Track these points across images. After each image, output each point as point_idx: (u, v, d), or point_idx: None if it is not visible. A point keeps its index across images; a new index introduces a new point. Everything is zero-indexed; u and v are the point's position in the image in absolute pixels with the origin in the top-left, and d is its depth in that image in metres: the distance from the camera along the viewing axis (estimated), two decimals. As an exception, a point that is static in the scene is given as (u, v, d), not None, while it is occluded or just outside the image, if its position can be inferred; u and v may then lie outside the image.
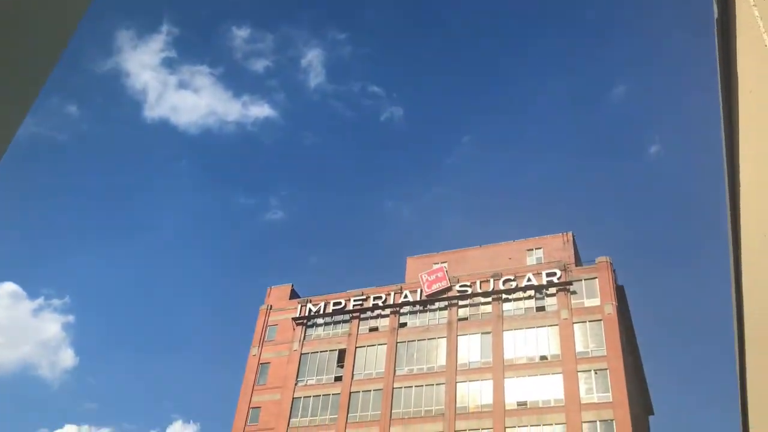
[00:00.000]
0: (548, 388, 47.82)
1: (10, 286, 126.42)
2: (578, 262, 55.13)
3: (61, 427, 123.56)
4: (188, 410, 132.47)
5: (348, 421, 52.01)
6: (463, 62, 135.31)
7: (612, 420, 44.71)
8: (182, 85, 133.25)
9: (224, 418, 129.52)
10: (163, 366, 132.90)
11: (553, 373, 48.25)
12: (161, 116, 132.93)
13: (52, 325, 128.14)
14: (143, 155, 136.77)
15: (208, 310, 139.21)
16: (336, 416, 52.66)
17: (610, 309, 49.40)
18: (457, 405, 49.53)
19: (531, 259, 56.96)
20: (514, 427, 47.04)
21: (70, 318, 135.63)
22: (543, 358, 49.49)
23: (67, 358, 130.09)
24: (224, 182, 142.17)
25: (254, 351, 59.54)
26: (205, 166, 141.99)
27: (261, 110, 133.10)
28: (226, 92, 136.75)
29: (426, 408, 50.57)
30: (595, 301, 50.31)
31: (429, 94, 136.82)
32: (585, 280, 51.70)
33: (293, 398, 54.91)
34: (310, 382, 55.66)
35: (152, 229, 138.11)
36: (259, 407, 55.76)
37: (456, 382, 50.62)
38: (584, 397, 46.40)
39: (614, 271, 51.96)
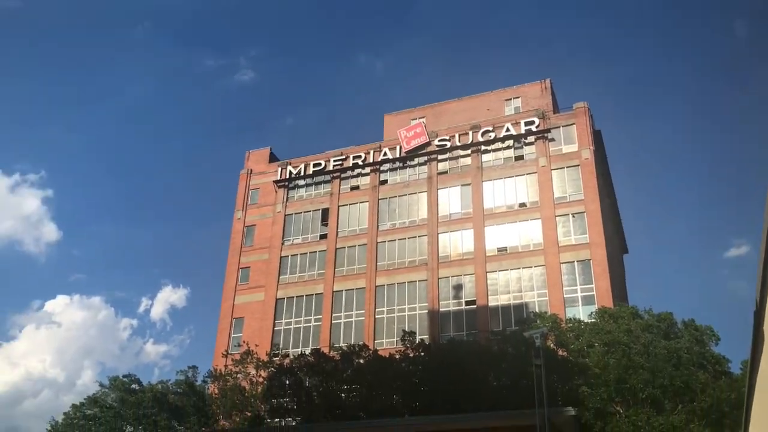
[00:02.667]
0: (527, 233, 49.39)
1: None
2: (556, 109, 55.11)
3: (54, 298, 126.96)
4: (177, 275, 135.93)
5: (335, 275, 53.80)
6: None
7: (589, 260, 46.63)
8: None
9: (213, 282, 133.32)
10: (148, 234, 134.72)
11: (531, 219, 49.64)
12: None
13: (31, 201, 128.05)
14: (104, 19, 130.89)
15: (186, 176, 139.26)
16: (324, 271, 54.38)
17: (587, 154, 50.08)
18: (440, 254, 51.21)
19: (509, 109, 56.85)
20: (495, 271, 49.00)
21: (49, 192, 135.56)
22: (522, 205, 50.69)
23: (50, 232, 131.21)
24: (190, 45, 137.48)
25: (238, 215, 60.29)
26: (168, 28, 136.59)
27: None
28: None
29: (410, 259, 52.29)
30: (573, 147, 50.86)
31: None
32: (563, 126, 51.96)
33: (281, 257, 56.37)
34: (296, 242, 56.93)
35: (119, 96, 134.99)
36: (249, 267, 57.31)
37: (438, 234, 52.04)
38: (562, 239, 48.07)
39: (592, 116, 52.14)
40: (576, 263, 46.98)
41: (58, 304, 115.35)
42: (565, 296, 46.03)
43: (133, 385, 48.90)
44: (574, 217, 48.60)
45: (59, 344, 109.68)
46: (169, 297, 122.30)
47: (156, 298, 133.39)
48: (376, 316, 50.89)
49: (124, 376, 49.59)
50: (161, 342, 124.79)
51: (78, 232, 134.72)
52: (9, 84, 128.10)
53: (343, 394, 37.05)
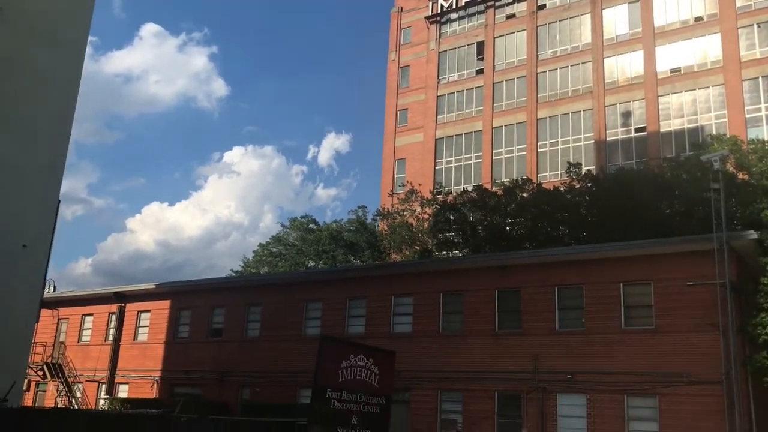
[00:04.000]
0: (704, 50, 44.92)
1: (152, 27, 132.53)
2: None
3: (230, 149, 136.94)
4: (339, 122, 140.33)
5: (494, 110, 52.86)
6: None
7: (776, 74, 41.96)
8: None
9: (373, 126, 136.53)
10: (308, 85, 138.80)
11: (709, 34, 44.87)
12: None
13: (198, 58, 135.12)
14: None
15: (338, 25, 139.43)
16: (482, 108, 53.57)
17: (780, -49, 43.43)
18: (606, 80, 48.31)
19: None
20: (668, 94, 45.61)
21: (214, 48, 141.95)
22: (698, 19, 45.77)
23: (220, 87, 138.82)
24: None
25: (392, 56, 59.99)
26: None
27: None
28: None
29: (573, 88, 49.87)
30: (762, -55, 44.22)
31: None
32: None
33: (437, 96, 56.03)
34: (452, 79, 56.07)
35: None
36: (406, 109, 57.73)
37: (603, 58, 48.82)
38: (745, 54, 43.29)
39: None
40: (761, 79, 42.45)
41: (235, 155, 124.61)
42: (746, 116, 42.23)
43: (311, 225, 52.90)
44: (759, 26, 43.28)
45: (240, 191, 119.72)
46: (333, 143, 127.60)
47: (321, 145, 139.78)
48: (539, 150, 49.96)
49: (301, 217, 53.70)
50: (330, 186, 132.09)
51: (245, 87, 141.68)
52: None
53: (507, 227, 37.59)
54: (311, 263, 50.31)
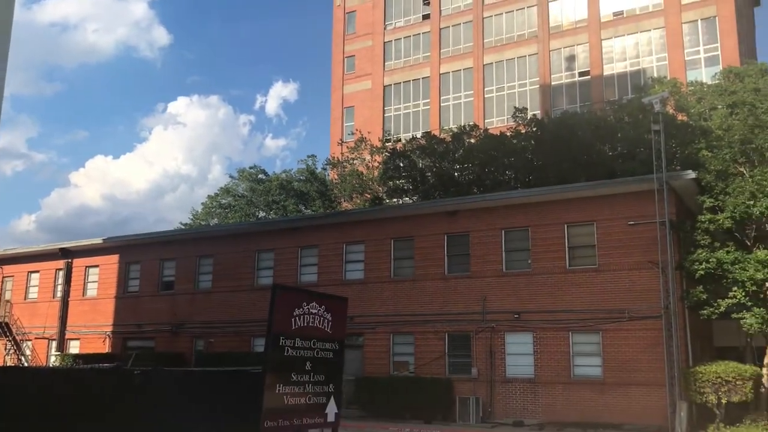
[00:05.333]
0: (646, -7, 45.52)
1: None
2: None
3: (175, 99, 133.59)
4: (286, 70, 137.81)
5: (441, 56, 52.71)
6: None
7: (714, 17, 42.86)
8: None
9: (321, 74, 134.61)
10: (252, 31, 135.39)
11: (651, -23, 45.41)
12: None
13: (137, 5, 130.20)
14: None
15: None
16: (429, 54, 53.34)
17: None
18: (551, 25, 48.59)
19: None
20: (611, 38, 46.22)
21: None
22: (641, -38, 46.17)
23: (161, 35, 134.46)
24: None
25: (338, 1, 58.89)
26: None
27: None
28: None
29: (518, 32, 50.03)
30: None
31: None
32: None
33: (384, 42, 55.51)
34: (398, 25, 55.52)
35: None
36: (353, 55, 57.08)
37: (548, 2, 48.98)
38: (686, -3, 44.04)
39: None
40: (699, 22, 43.36)
41: (180, 106, 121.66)
42: (686, 59, 43.22)
43: (260, 176, 52.42)
44: (700, -31, 43.95)
45: (187, 143, 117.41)
46: (280, 92, 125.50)
47: (269, 94, 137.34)
48: (486, 96, 50.25)
49: (250, 168, 53.10)
50: (279, 136, 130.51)
51: (187, 35, 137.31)
52: None
53: (456, 173, 38.01)
54: (262, 214, 50.06)
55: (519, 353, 24.23)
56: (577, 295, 23.46)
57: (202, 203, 54.79)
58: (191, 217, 54.50)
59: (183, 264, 33.23)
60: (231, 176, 54.06)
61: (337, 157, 46.32)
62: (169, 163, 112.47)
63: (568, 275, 23.82)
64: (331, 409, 10.34)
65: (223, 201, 52.91)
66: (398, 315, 26.62)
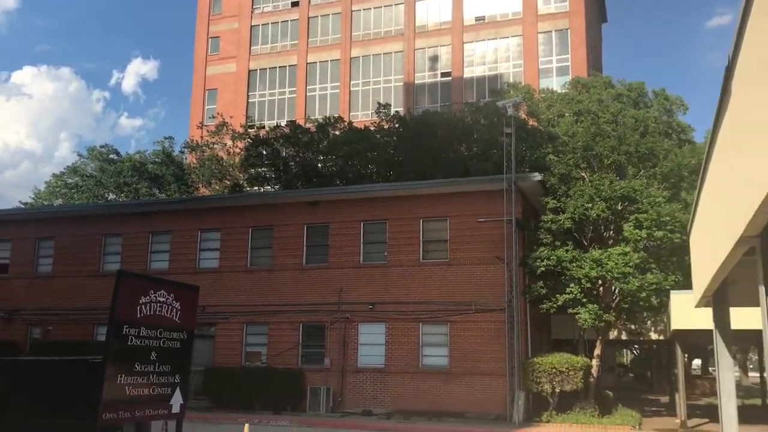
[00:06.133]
0: (506, 1, 47.77)
1: None
2: None
3: (20, 69, 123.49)
4: (146, 46, 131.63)
5: (309, 46, 52.47)
6: None
7: (567, 29, 45.79)
8: None
9: (184, 53, 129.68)
10: (113, 1, 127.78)
11: (512, -13, 47.75)
12: None
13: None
14: None
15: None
16: (296, 42, 52.92)
17: None
18: (417, 24, 49.78)
19: None
20: (472, 41, 48.11)
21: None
22: (502, -28, 48.41)
23: None
24: None
25: (204, -21, 56.94)
26: None
27: None
28: None
29: (386, 29, 50.83)
30: None
31: None
32: None
33: (251, 26, 54.41)
34: (266, 9, 54.59)
35: None
36: (218, 37, 55.47)
37: (415, 1, 50.13)
38: (542, 8, 46.72)
39: None
40: (554, 33, 46.17)
41: (25, 75, 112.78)
42: (540, 67, 45.87)
43: (112, 156, 49.61)
44: (556, -18, 46.78)
45: (32, 116, 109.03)
46: (139, 69, 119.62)
47: (126, 71, 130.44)
48: (352, 89, 50.63)
49: (101, 147, 50.12)
50: (136, 116, 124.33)
51: (38, 0, 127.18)
52: None
53: (319, 164, 38.05)
54: (111, 196, 47.44)
55: (371, 343, 24.71)
56: (429, 287, 24.27)
57: (46, 182, 51.08)
58: (32, 196, 50.66)
59: (20, 246, 30.87)
60: (80, 154, 50.82)
61: (197, 141, 44.84)
62: (10, 137, 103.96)
63: (422, 268, 24.58)
64: (177, 400, 10.07)
65: (70, 181, 49.58)
66: (253, 305, 26.28)
